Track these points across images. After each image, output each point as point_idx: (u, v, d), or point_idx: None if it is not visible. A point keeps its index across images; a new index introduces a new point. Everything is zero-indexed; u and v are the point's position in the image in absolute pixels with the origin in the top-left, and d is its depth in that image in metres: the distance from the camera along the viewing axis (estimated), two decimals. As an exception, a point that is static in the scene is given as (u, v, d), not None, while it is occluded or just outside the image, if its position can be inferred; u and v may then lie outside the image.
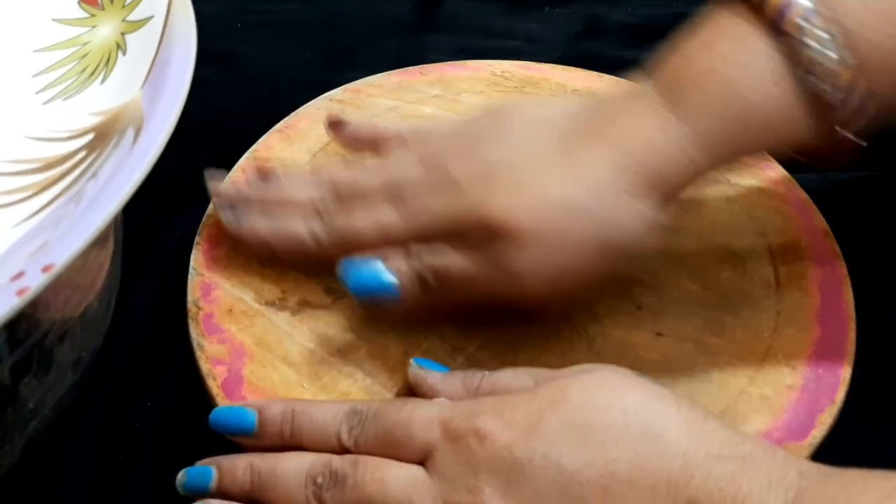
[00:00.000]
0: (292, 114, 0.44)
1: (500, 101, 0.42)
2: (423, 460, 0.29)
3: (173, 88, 0.26)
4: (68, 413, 0.33)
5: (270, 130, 0.43)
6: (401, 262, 0.33)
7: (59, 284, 0.26)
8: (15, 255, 0.23)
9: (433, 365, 0.33)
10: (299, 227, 0.36)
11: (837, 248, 0.38)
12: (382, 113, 0.44)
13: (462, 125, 0.37)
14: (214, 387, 0.34)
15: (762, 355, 0.35)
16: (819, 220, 0.39)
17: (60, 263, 0.21)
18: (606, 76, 0.46)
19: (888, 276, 0.39)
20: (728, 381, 0.34)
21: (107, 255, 0.32)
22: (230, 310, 0.36)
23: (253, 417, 0.31)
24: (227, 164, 0.42)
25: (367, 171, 0.36)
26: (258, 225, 0.37)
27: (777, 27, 0.30)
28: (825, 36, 0.30)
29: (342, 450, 0.30)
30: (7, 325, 0.24)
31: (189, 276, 0.37)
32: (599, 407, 0.28)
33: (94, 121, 0.28)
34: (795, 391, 0.34)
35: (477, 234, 0.33)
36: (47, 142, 0.29)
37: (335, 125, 0.40)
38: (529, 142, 0.34)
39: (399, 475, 0.29)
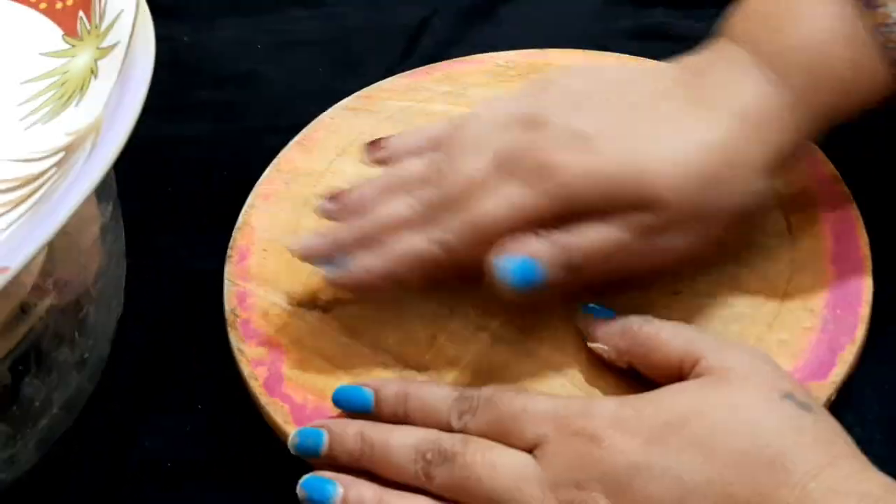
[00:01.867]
0: (309, 125, 0.46)
1: (548, 72, 0.38)
2: (531, 449, 0.30)
3: (129, 105, 0.28)
4: (84, 415, 0.35)
5: (290, 143, 0.45)
6: (544, 248, 0.32)
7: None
8: None
9: (598, 311, 0.34)
10: (418, 242, 0.33)
11: (848, 191, 0.39)
12: (395, 114, 0.46)
13: (530, 95, 0.34)
14: (257, 386, 0.36)
15: (779, 302, 0.35)
16: (827, 167, 0.40)
17: (14, 267, 0.24)
18: (607, 54, 0.47)
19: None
20: (746, 329, 0.35)
21: (89, 257, 0.34)
22: (266, 314, 0.38)
23: (370, 396, 0.33)
24: (251, 179, 0.44)
25: (457, 151, 0.33)
26: (371, 263, 0.33)
27: None
28: None
29: (451, 432, 0.31)
30: None
31: (224, 288, 0.39)
32: (732, 430, 0.28)
33: (66, 140, 0.31)
34: (815, 332, 0.34)
35: (620, 205, 0.32)
36: (26, 162, 0.31)
37: (374, 146, 0.38)
38: (635, 105, 0.33)
39: (509, 460, 0.30)
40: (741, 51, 0.34)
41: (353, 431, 0.32)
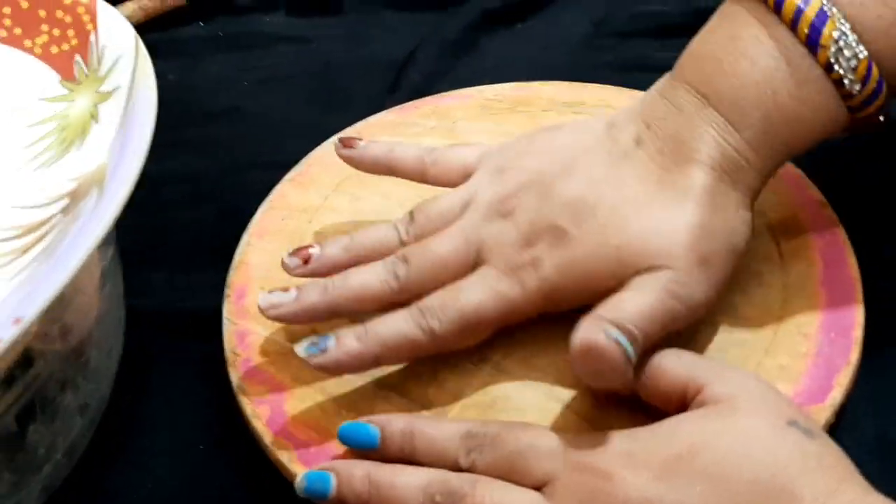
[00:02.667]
0: (301, 161, 0.46)
1: (516, 136, 0.39)
2: (540, 486, 0.30)
3: (134, 151, 0.29)
4: (85, 459, 0.34)
5: (283, 180, 0.46)
6: (596, 331, 0.31)
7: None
8: None
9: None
10: (405, 327, 0.34)
11: (835, 216, 0.40)
12: (385, 149, 0.46)
13: (502, 159, 0.36)
14: (260, 426, 0.36)
15: (774, 328, 0.36)
16: (814, 192, 0.41)
17: (29, 317, 0.24)
18: (591, 85, 0.48)
19: (885, 236, 0.41)
20: (745, 355, 0.35)
21: (91, 302, 0.34)
22: (266, 352, 0.38)
23: (376, 434, 0.33)
24: (244, 216, 0.44)
25: (427, 225, 0.36)
26: (353, 347, 0.34)
27: (795, 29, 0.33)
28: (839, 34, 0.32)
29: (458, 470, 0.31)
30: (6, 376, 0.26)
31: (223, 327, 0.39)
32: (741, 460, 0.28)
33: (70, 186, 0.31)
34: (811, 357, 0.35)
35: (627, 276, 0.33)
36: (29, 209, 0.31)
37: (346, 143, 0.40)
38: (608, 178, 0.34)
39: (519, 499, 0.30)
40: (693, 96, 0.34)
41: (360, 473, 0.32)
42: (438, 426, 0.33)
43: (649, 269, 0.33)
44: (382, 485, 0.31)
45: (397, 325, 0.34)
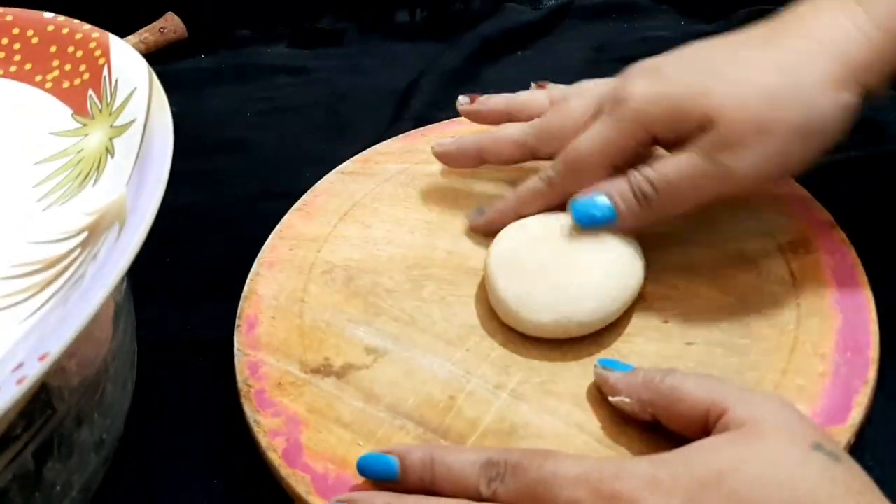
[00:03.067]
0: (308, 191, 0.46)
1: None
2: None
3: (153, 182, 0.29)
4: (99, 497, 0.34)
5: (291, 210, 0.46)
6: (618, 184, 0.37)
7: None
8: (18, 349, 0.25)
9: (617, 365, 0.35)
10: (534, 182, 0.40)
11: (844, 236, 0.40)
12: (394, 176, 0.46)
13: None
14: (276, 458, 0.35)
15: (790, 348, 0.36)
16: (822, 213, 0.41)
17: (55, 352, 0.24)
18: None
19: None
20: (763, 376, 0.35)
21: (106, 335, 0.34)
22: (279, 383, 0.38)
23: (395, 464, 0.32)
24: (249, 246, 0.44)
25: (569, 95, 0.41)
26: (504, 207, 0.41)
27: None
28: None
29: (480, 499, 0.31)
30: (23, 412, 0.26)
31: (235, 358, 0.39)
32: (768, 485, 0.28)
33: (88, 220, 0.31)
34: (828, 377, 0.35)
35: (688, 126, 0.35)
36: (46, 244, 0.31)
37: (471, 98, 0.45)
38: (721, 45, 0.36)
39: None
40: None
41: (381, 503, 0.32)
42: (458, 455, 0.32)
43: (703, 122, 0.34)
44: None
45: (531, 182, 0.40)
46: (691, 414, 0.31)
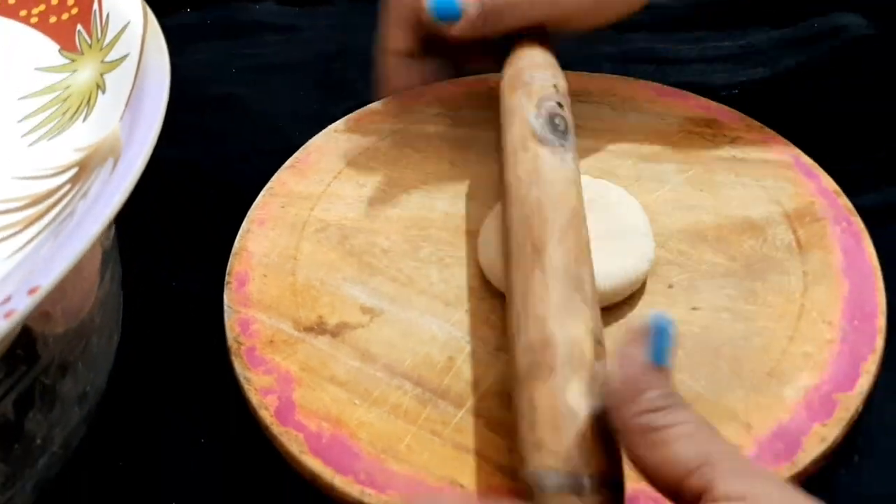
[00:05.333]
0: (301, 149, 0.45)
1: None
2: None
3: (149, 117, 0.28)
4: (79, 454, 0.33)
5: (282, 167, 0.44)
6: None
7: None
8: (6, 283, 0.24)
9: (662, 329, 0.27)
10: None
11: (850, 204, 0.39)
12: (389, 136, 0.45)
13: None
14: (267, 416, 0.34)
15: (797, 315, 0.35)
16: (828, 182, 0.40)
17: (45, 286, 0.22)
18: (596, 75, 0.47)
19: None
20: (769, 343, 0.35)
21: (93, 283, 0.32)
22: (271, 341, 0.36)
23: None
24: (238, 203, 0.42)
25: None
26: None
27: None
28: None
29: None
30: (5, 358, 0.24)
31: (225, 315, 0.37)
32: None
33: (78, 156, 0.29)
34: (836, 344, 0.34)
35: None
36: (34, 180, 0.30)
37: None
38: None
39: None
40: None
41: None
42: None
43: None
44: None
45: None
46: (668, 467, 0.25)
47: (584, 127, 0.42)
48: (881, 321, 0.35)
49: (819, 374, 0.33)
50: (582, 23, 0.44)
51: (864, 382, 0.33)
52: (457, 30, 0.42)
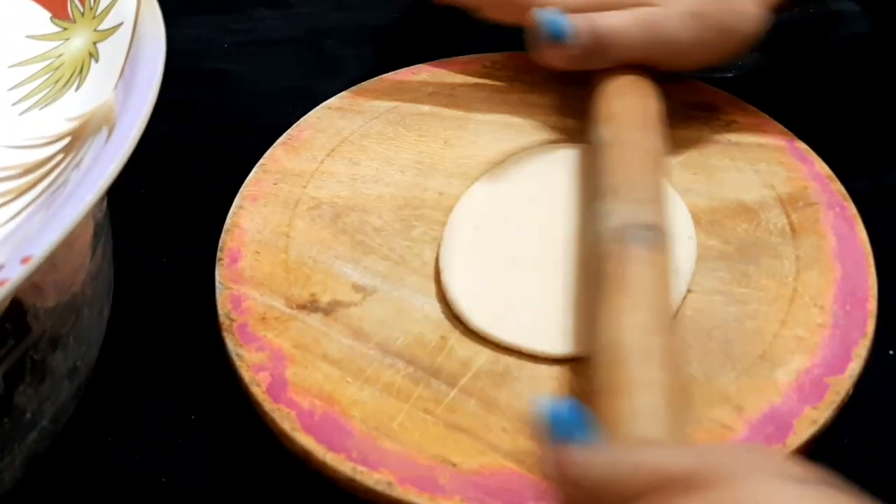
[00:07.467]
0: (293, 126, 0.45)
1: None
2: None
3: (143, 86, 0.27)
4: (69, 429, 0.32)
5: (275, 144, 0.44)
6: (579, 20, 0.40)
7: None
8: None
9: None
10: None
11: (844, 190, 0.39)
12: (383, 114, 0.45)
13: None
14: (259, 392, 0.34)
15: (789, 299, 0.36)
16: (822, 167, 0.40)
17: (38, 255, 0.22)
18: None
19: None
20: (761, 326, 0.35)
21: (85, 255, 0.32)
22: (263, 317, 0.36)
23: None
24: (230, 180, 0.42)
25: None
26: None
27: None
28: None
29: None
30: None
31: (217, 291, 0.37)
32: None
33: (70, 125, 0.29)
34: (827, 328, 0.34)
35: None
36: (25, 149, 0.29)
37: None
38: None
39: None
40: None
41: None
42: None
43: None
44: None
45: None
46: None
47: (579, 110, 0.42)
48: (872, 305, 0.35)
49: (811, 357, 0.34)
50: (684, 64, 0.42)
51: (855, 366, 0.33)
52: (561, 57, 0.40)
